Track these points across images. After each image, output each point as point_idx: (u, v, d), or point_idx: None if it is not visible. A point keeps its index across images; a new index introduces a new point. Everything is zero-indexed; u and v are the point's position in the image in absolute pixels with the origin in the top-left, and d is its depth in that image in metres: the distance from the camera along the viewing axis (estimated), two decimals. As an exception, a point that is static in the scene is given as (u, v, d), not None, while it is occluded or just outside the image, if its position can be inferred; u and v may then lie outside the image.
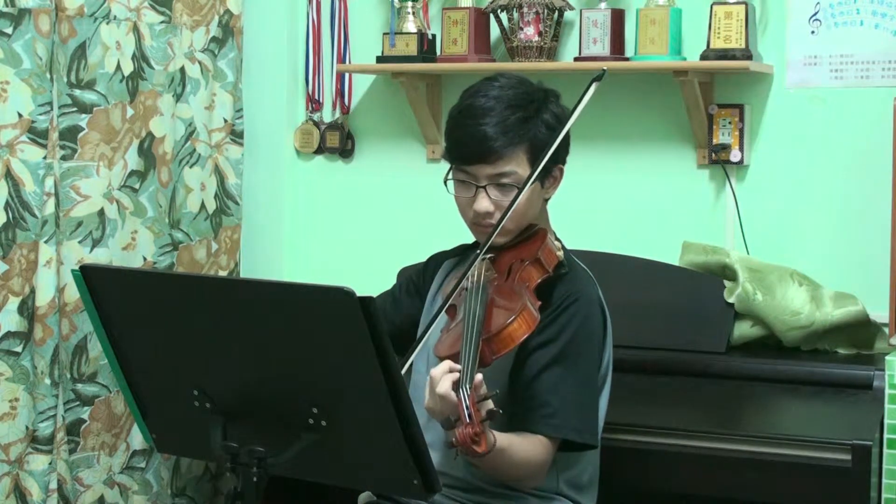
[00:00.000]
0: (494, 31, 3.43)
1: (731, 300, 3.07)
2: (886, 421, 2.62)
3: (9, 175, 2.86)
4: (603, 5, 3.29)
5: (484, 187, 2.43)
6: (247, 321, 2.13)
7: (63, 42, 2.93)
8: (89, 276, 2.30)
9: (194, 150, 3.31)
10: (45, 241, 2.92)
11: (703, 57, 3.17)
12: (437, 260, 2.70)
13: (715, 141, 3.25)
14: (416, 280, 2.70)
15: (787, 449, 2.58)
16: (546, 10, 3.29)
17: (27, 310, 2.91)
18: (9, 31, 2.82)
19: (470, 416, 2.08)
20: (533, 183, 2.40)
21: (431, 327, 2.35)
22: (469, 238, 2.59)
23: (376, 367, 2.02)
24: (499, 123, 2.41)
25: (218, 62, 3.37)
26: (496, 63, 3.39)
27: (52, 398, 2.95)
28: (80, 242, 2.97)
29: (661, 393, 2.95)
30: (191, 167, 3.30)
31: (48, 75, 2.90)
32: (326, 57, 3.70)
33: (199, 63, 3.31)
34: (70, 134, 2.95)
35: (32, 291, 2.91)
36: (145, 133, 3.13)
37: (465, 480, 2.47)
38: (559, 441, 2.39)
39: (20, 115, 2.86)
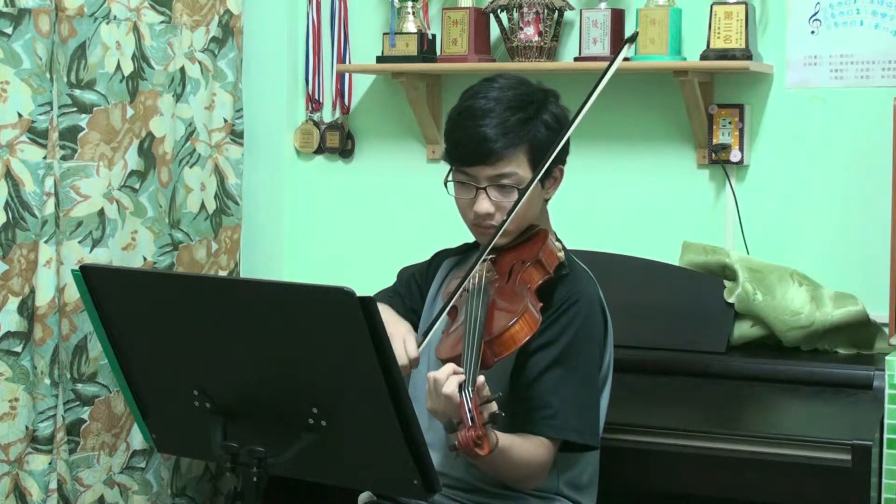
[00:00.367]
0: (494, 31, 3.43)
1: (731, 300, 3.07)
2: (886, 421, 2.62)
3: (9, 175, 2.86)
4: (603, 5, 3.29)
5: (484, 188, 2.43)
6: (247, 321, 2.13)
7: (63, 42, 2.93)
8: (89, 276, 2.30)
9: (194, 150, 3.31)
10: (45, 241, 2.92)
11: (703, 57, 3.17)
12: (440, 258, 2.70)
13: (715, 141, 3.25)
14: (418, 278, 2.70)
15: (787, 449, 2.58)
16: (546, 10, 3.29)
17: (27, 310, 2.91)
18: (9, 31, 2.82)
19: (472, 418, 2.08)
20: (534, 185, 2.40)
21: (434, 328, 2.35)
22: (470, 238, 2.59)
23: (376, 367, 2.02)
24: (499, 125, 2.40)
25: (218, 62, 3.37)
26: (496, 63, 3.39)
27: (52, 398, 2.95)
28: (80, 242, 2.97)
29: (661, 393, 2.95)
30: (191, 167, 3.30)
31: (48, 75, 2.90)
32: (326, 57, 3.69)
33: (199, 63, 3.31)
34: (70, 134, 2.95)
35: (32, 291, 2.91)
36: (145, 133, 3.13)
37: (465, 481, 2.47)
38: (560, 442, 2.39)
39: (20, 115, 2.86)
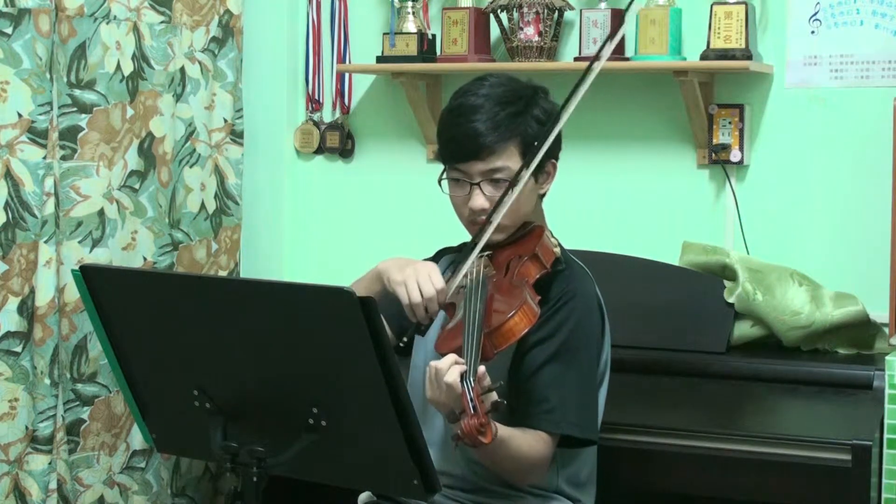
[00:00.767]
0: (494, 31, 3.43)
1: (731, 300, 3.07)
2: (886, 421, 2.62)
3: (9, 175, 2.86)
4: (603, 5, 3.29)
5: (478, 184, 2.44)
6: (247, 321, 2.13)
7: (63, 42, 2.92)
8: (89, 276, 2.30)
9: (194, 150, 3.31)
10: (45, 241, 2.92)
11: (703, 57, 3.17)
12: (440, 255, 2.71)
13: (715, 141, 3.25)
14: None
15: (787, 449, 2.57)
16: (546, 10, 3.29)
17: (27, 310, 2.91)
18: (9, 31, 2.82)
19: (475, 407, 2.09)
20: (527, 176, 2.40)
21: (462, 271, 2.36)
22: (468, 238, 2.59)
23: (376, 367, 2.03)
24: (489, 119, 2.42)
25: (218, 62, 3.37)
26: (496, 63, 3.39)
27: (52, 398, 2.94)
28: (79, 242, 2.97)
29: (661, 393, 2.95)
30: (191, 167, 3.30)
31: (48, 75, 2.90)
32: (326, 57, 3.70)
33: (199, 63, 3.31)
34: (70, 134, 2.95)
35: (32, 291, 2.91)
36: (145, 133, 3.13)
37: (465, 479, 2.47)
38: (559, 437, 2.39)
39: (20, 115, 2.86)
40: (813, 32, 3.21)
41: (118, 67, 3.04)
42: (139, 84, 3.11)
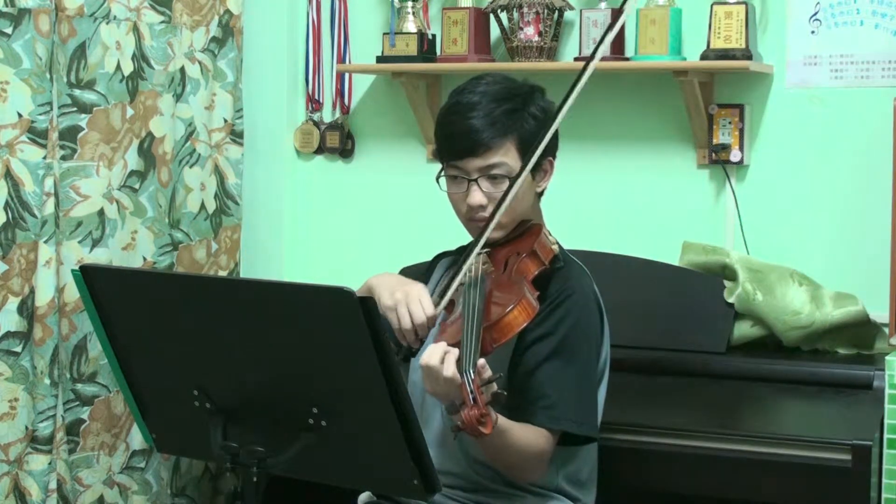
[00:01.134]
0: (494, 31, 3.43)
1: (731, 300, 3.07)
2: (886, 421, 2.61)
3: (8, 175, 2.86)
4: (603, 5, 3.29)
5: (475, 180, 2.45)
6: (247, 321, 2.13)
7: (63, 42, 2.92)
8: (89, 276, 2.30)
9: (194, 150, 3.31)
10: (45, 241, 2.92)
11: (703, 57, 3.17)
12: (438, 259, 2.71)
13: (715, 141, 3.25)
14: (418, 279, 2.70)
15: (787, 449, 2.57)
16: (546, 10, 3.29)
17: (27, 310, 2.91)
18: (9, 31, 2.82)
19: (475, 398, 2.09)
20: (526, 172, 2.40)
21: (450, 289, 2.36)
22: (469, 238, 2.59)
23: (376, 367, 2.03)
24: (486, 116, 2.43)
25: (218, 62, 3.37)
26: (496, 63, 3.39)
27: (52, 398, 2.94)
28: (79, 242, 2.97)
29: (661, 393, 2.95)
30: (191, 167, 3.30)
31: (48, 75, 2.90)
32: (326, 57, 3.69)
33: (199, 63, 3.31)
34: (70, 134, 2.95)
35: (32, 291, 2.91)
36: (145, 133, 3.13)
37: (465, 478, 2.47)
38: (559, 434, 2.39)
39: (20, 115, 2.86)
40: (813, 32, 3.21)
41: (118, 67, 3.04)
42: (139, 84, 3.11)
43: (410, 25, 3.45)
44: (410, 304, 2.34)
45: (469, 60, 3.37)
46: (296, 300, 2.10)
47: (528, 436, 2.35)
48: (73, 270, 2.36)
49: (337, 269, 3.64)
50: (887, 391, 2.62)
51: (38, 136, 2.88)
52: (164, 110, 3.18)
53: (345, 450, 2.15)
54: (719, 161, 3.26)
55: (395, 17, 3.45)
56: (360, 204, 3.70)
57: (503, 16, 3.35)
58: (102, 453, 3.06)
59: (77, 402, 3.00)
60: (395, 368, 2.04)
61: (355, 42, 3.66)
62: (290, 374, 2.14)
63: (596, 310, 2.51)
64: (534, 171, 2.46)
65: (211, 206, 3.37)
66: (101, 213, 3.01)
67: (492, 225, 2.40)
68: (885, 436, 2.61)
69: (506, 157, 2.43)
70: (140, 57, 3.11)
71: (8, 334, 2.88)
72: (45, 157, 2.90)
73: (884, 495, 2.61)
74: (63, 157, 2.94)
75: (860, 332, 3.05)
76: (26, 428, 2.92)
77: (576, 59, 3.32)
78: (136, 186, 3.11)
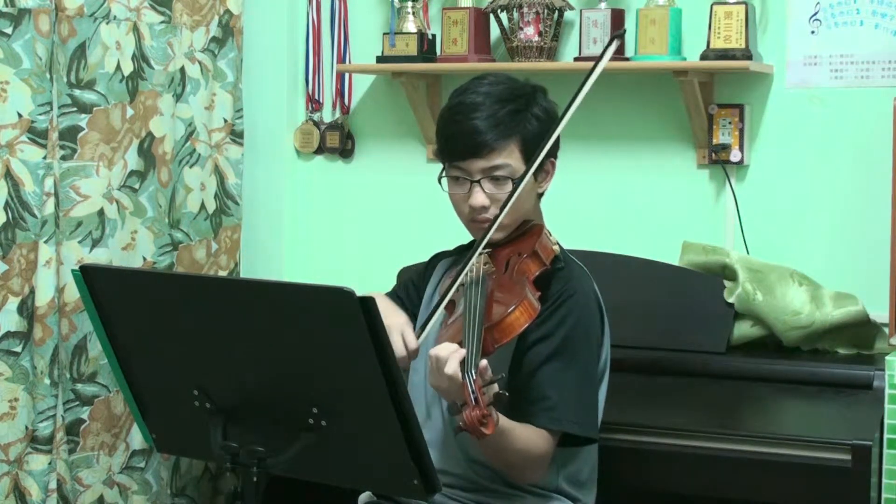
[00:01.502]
0: (494, 31, 3.43)
1: (731, 300, 3.07)
2: (886, 421, 2.62)
3: (9, 175, 2.86)
4: (603, 5, 3.29)
5: (478, 181, 2.44)
6: (247, 321, 2.13)
7: (63, 42, 2.92)
8: (89, 276, 2.30)
9: (194, 150, 3.31)
10: (45, 241, 2.92)
11: (703, 57, 3.17)
12: (436, 259, 2.71)
13: (715, 141, 3.25)
14: (416, 281, 2.71)
15: (787, 449, 2.57)
16: (546, 10, 3.29)
17: (27, 310, 2.91)
18: (9, 31, 2.82)
19: (476, 399, 2.10)
20: (530, 174, 2.40)
21: (432, 319, 2.36)
22: (468, 238, 2.59)
23: (376, 367, 2.02)
24: (489, 117, 2.42)
25: (218, 62, 3.37)
26: (496, 63, 3.39)
27: (52, 398, 2.95)
28: (79, 242, 2.97)
29: (661, 393, 2.95)
30: (191, 167, 3.30)
31: (48, 75, 2.90)
32: (326, 57, 3.69)
33: (199, 63, 3.31)
34: (70, 134, 2.95)
35: (32, 291, 2.91)
36: (145, 133, 3.13)
37: (465, 478, 2.47)
38: (559, 435, 2.39)
39: (20, 115, 2.86)
40: (813, 32, 3.21)
41: (118, 67, 3.04)
42: (139, 84, 3.11)
43: (410, 25, 3.45)
44: (392, 337, 2.28)
45: (469, 60, 3.37)
46: (296, 300, 2.10)
47: (529, 436, 2.35)
48: (73, 270, 2.36)
49: (337, 269, 3.65)
50: (887, 391, 2.62)
51: (38, 136, 2.88)
52: (164, 110, 3.18)
53: (345, 450, 2.15)
54: (719, 161, 3.26)
55: (395, 17, 3.45)
56: (360, 204, 3.70)
57: (503, 16, 3.35)
58: (102, 453, 3.06)
59: (77, 402, 3.00)
60: (395, 368, 2.04)
61: (355, 42, 3.66)
62: (290, 374, 2.13)
63: (597, 310, 2.51)
64: (536, 172, 2.46)
65: (211, 206, 3.37)
66: (101, 213, 3.01)
67: (496, 226, 2.40)
68: (885, 436, 2.61)
69: (509, 158, 2.43)
70: (140, 57, 3.11)
71: (8, 334, 2.88)
72: (45, 157, 2.90)
73: (884, 495, 2.61)
74: (63, 157, 2.94)
75: (860, 332, 3.05)
76: (26, 428, 2.92)
77: (576, 60, 3.32)
78: (136, 186, 3.11)
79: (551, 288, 2.44)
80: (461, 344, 2.20)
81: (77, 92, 2.96)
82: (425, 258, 2.75)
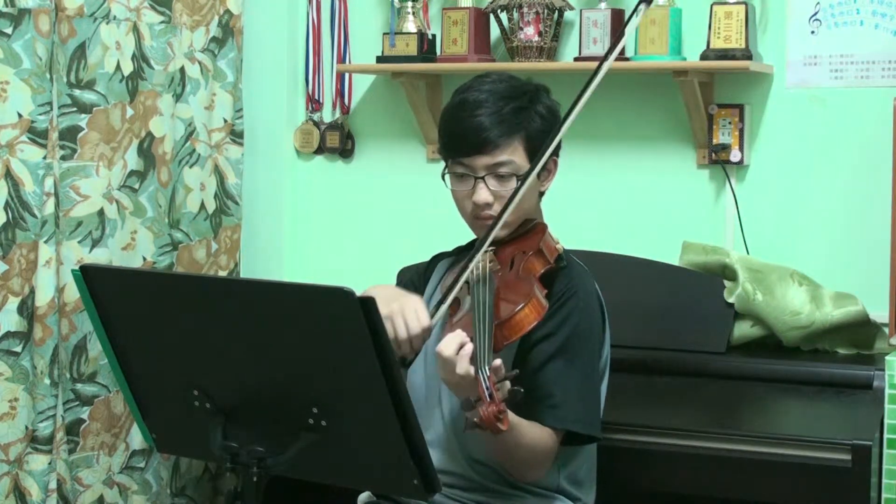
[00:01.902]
0: (494, 31, 3.43)
1: (731, 300, 3.07)
2: (886, 421, 2.62)
3: (9, 175, 2.86)
4: (603, 5, 3.29)
5: (482, 178, 2.44)
6: (247, 321, 2.13)
7: (63, 42, 2.93)
8: (89, 276, 2.30)
9: (194, 150, 3.31)
10: (45, 241, 2.92)
11: (703, 57, 3.17)
12: (437, 259, 2.71)
13: (715, 141, 3.25)
14: (416, 281, 2.71)
15: (787, 449, 2.57)
16: (546, 10, 3.29)
17: (27, 310, 2.91)
18: (9, 31, 2.82)
19: (491, 395, 2.10)
20: (535, 172, 2.41)
21: (446, 302, 2.36)
22: (468, 238, 2.59)
23: (376, 367, 2.02)
24: (494, 114, 2.43)
25: (218, 62, 3.37)
26: (496, 63, 3.39)
27: (52, 398, 2.95)
28: (79, 242, 2.97)
29: (661, 393, 2.95)
30: (190, 167, 3.30)
31: (48, 75, 2.90)
32: (326, 57, 3.69)
33: (199, 63, 3.31)
34: (70, 134, 2.95)
35: (32, 291, 2.91)
36: (145, 133, 3.13)
37: (465, 478, 2.47)
38: (563, 433, 2.40)
39: (20, 115, 2.86)
40: (813, 32, 3.21)
41: (118, 67, 3.04)
42: (139, 84, 3.11)
43: (410, 25, 3.45)
44: (406, 314, 2.32)
45: (469, 60, 3.37)
46: (296, 300, 2.10)
47: (536, 433, 2.36)
48: (73, 270, 2.36)
49: (337, 269, 3.64)
50: (887, 391, 2.62)
51: (38, 136, 2.88)
52: (164, 110, 3.18)
53: (345, 450, 2.15)
54: (719, 161, 3.26)
55: (395, 17, 3.45)
56: (360, 204, 3.70)
57: (503, 16, 3.35)
58: (102, 453, 3.06)
59: (77, 402, 3.00)
60: (395, 368, 2.04)
61: (355, 42, 3.66)
62: (290, 374, 2.13)
63: (598, 309, 2.51)
64: (539, 171, 2.46)
65: (211, 206, 3.37)
66: (100, 213, 3.01)
67: (500, 223, 2.40)
68: (885, 436, 2.61)
69: (513, 155, 2.43)
70: (140, 57, 3.11)
71: (8, 334, 2.88)
72: (45, 157, 2.90)
73: (884, 495, 2.61)
74: (63, 157, 2.94)
75: (860, 332, 3.05)
76: (26, 428, 2.92)
77: (576, 60, 3.32)
78: (136, 186, 3.11)
79: (554, 287, 2.44)
80: (471, 340, 2.21)
81: (77, 92, 2.96)
82: (425, 258, 2.75)
